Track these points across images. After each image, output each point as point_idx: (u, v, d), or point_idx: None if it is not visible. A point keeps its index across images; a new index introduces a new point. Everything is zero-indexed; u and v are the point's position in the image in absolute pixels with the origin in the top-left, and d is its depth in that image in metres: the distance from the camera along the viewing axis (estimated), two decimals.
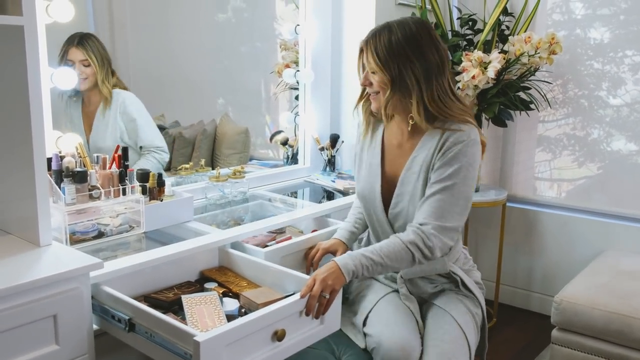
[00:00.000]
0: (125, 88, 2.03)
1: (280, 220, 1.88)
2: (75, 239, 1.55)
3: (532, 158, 3.03)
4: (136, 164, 2.02)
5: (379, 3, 2.49)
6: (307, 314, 1.36)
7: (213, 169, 2.15)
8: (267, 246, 1.69)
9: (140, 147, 2.07)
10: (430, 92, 1.53)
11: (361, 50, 1.60)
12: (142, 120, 2.05)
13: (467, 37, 2.79)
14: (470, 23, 2.79)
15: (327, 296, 1.38)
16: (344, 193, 2.25)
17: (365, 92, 1.67)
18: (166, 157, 2.10)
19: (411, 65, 1.51)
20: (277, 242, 1.74)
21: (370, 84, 1.59)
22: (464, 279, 1.66)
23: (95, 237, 1.58)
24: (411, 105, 1.55)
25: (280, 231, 1.87)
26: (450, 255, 1.65)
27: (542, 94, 2.75)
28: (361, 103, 1.71)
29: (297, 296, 1.35)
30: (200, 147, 2.46)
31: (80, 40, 1.90)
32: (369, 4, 2.49)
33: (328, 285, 1.38)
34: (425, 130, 1.58)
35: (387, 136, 1.69)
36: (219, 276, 1.59)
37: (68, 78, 1.67)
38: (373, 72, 1.56)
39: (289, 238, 1.79)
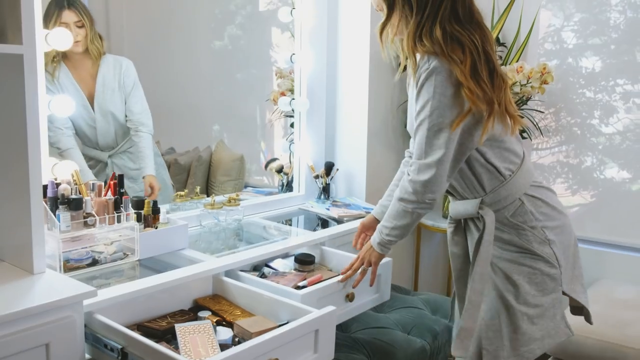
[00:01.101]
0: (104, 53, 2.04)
1: (275, 249, 1.88)
2: (69, 266, 1.54)
3: None
4: (132, 143, 2.11)
5: (373, 34, 2.52)
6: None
7: (208, 195, 2.15)
8: (299, 287, 1.67)
9: (126, 120, 2.08)
10: (423, 26, 1.48)
11: None
12: (138, 90, 2.09)
13: None
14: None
15: (366, 268, 1.67)
16: (339, 221, 2.25)
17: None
18: (150, 139, 2.14)
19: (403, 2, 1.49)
20: (309, 283, 1.71)
21: (381, 9, 1.58)
22: (486, 228, 1.54)
23: (89, 265, 1.58)
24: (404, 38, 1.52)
25: (309, 269, 1.86)
26: (489, 197, 1.56)
27: (534, 123, 2.78)
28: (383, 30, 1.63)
29: (290, 325, 1.35)
30: (195, 174, 2.47)
31: (71, 1, 1.88)
32: (364, 34, 2.53)
33: (366, 260, 1.66)
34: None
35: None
36: (213, 304, 1.59)
37: (65, 104, 1.69)
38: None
39: (320, 277, 1.77)
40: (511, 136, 1.59)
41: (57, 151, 1.92)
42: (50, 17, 1.85)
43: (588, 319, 1.70)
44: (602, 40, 2.74)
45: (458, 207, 1.64)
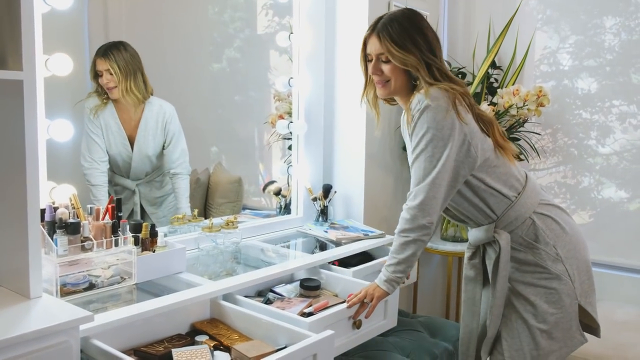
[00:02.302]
0: (152, 92, 2.16)
1: (273, 272, 1.87)
2: (65, 290, 1.54)
3: None
4: (161, 176, 2.23)
5: None
6: (353, 318, 1.73)
7: (206, 217, 2.15)
8: (305, 314, 1.68)
9: (162, 160, 2.21)
10: (434, 69, 1.64)
11: (365, 43, 1.71)
12: (180, 137, 2.21)
13: None
14: (459, 76, 2.85)
15: (368, 302, 1.69)
16: (337, 243, 2.25)
17: (368, 83, 1.78)
18: (188, 180, 2.28)
19: (420, 47, 1.63)
20: (316, 309, 1.71)
21: (381, 72, 1.68)
22: (502, 250, 1.67)
23: (86, 289, 1.57)
24: (418, 84, 1.65)
25: (314, 294, 1.86)
26: (501, 220, 1.68)
27: (531, 145, 2.79)
28: (365, 96, 1.82)
29: (288, 349, 1.34)
30: (193, 196, 2.47)
31: (105, 51, 2.01)
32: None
33: (369, 295, 1.69)
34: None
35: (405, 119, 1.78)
36: (210, 329, 1.58)
37: (64, 130, 1.70)
38: (385, 61, 1.66)
39: (326, 303, 1.77)
40: (508, 162, 1.72)
41: (87, 183, 2.03)
42: (92, 62, 2.02)
43: (597, 333, 1.78)
44: (598, 61, 2.77)
45: (476, 234, 1.75)
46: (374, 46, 1.67)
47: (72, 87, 2.04)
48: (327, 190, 2.54)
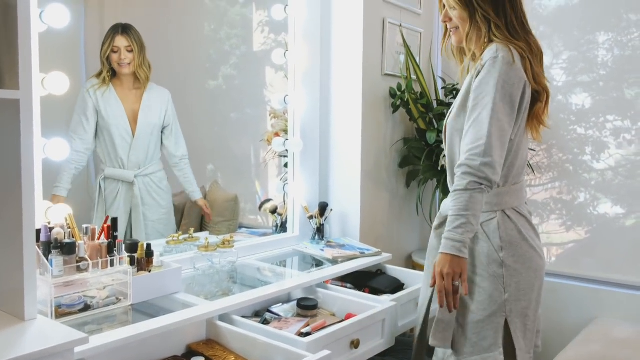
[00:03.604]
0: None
1: (270, 291, 1.86)
2: (60, 312, 1.52)
3: None
4: (158, 169, 2.28)
5: (365, 74, 2.57)
6: (447, 308, 1.57)
7: (201, 231, 2.14)
8: (303, 334, 1.65)
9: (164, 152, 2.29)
10: (501, 22, 1.64)
11: None
12: (178, 126, 2.31)
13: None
14: (454, 92, 2.87)
15: (458, 283, 1.54)
16: (333, 262, 2.24)
17: (447, 30, 1.80)
18: (189, 164, 2.38)
19: (481, 2, 1.64)
20: (313, 329, 1.70)
21: (450, 20, 1.73)
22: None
23: (81, 310, 1.55)
24: (487, 36, 1.66)
25: (311, 314, 1.84)
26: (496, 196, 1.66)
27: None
28: (448, 45, 1.83)
29: None
30: (189, 215, 2.46)
31: (124, 28, 2.14)
32: (356, 76, 2.56)
33: (451, 275, 1.53)
34: None
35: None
36: (207, 350, 1.56)
37: (60, 149, 1.69)
38: (452, 8, 1.70)
39: (324, 323, 1.76)
40: (524, 152, 1.70)
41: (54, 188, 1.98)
42: (106, 40, 2.11)
43: None
44: (591, 77, 2.79)
45: (446, 203, 1.70)
46: None
47: (68, 106, 2.04)
48: (323, 208, 2.53)
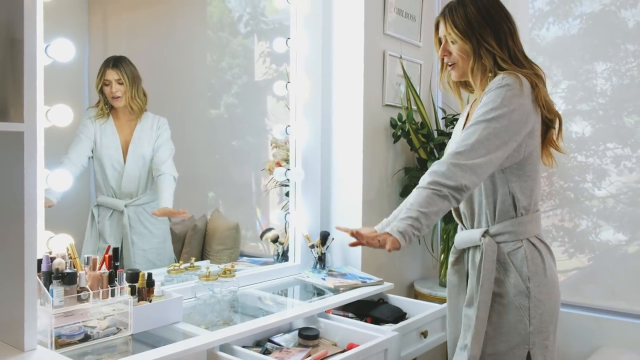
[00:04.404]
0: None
1: (271, 321, 1.85)
2: (60, 342, 1.51)
3: None
4: (151, 198, 2.26)
5: (366, 105, 2.59)
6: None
7: (202, 259, 2.14)
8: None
9: (152, 165, 2.28)
10: (504, 55, 1.65)
11: (437, 26, 1.75)
12: (169, 144, 2.31)
13: None
14: (454, 122, 2.89)
15: (377, 243, 1.44)
16: (335, 291, 2.23)
17: (443, 64, 1.78)
18: (174, 184, 2.31)
19: (486, 33, 1.65)
20: (315, 359, 1.68)
21: (449, 54, 1.72)
22: (484, 253, 1.61)
23: (81, 340, 1.55)
24: (493, 70, 1.66)
25: (313, 343, 1.83)
26: (494, 227, 1.65)
27: None
28: (445, 78, 1.82)
29: None
30: (190, 243, 2.46)
31: (115, 62, 2.18)
32: (357, 107, 2.59)
33: (380, 240, 1.44)
34: None
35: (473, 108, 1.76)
36: None
37: (63, 179, 1.70)
38: (452, 42, 1.69)
39: (325, 353, 1.74)
40: (539, 177, 1.69)
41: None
42: (99, 73, 2.16)
43: None
44: (590, 105, 2.81)
45: (463, 237, 1.72)
46: (441, 29, 1.72)
47: (71, 137, 2.07)
48: (324, 237, 2.53)
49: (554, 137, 1.74)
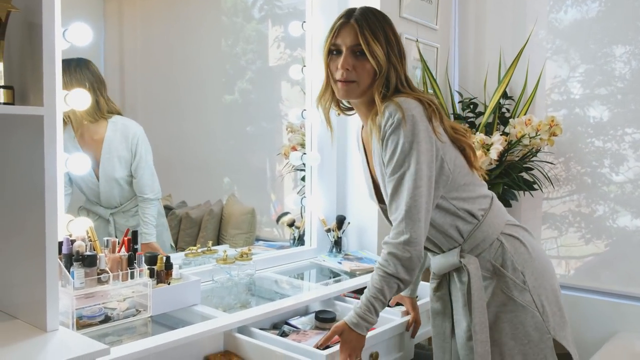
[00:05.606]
0: (119, 113, 2.01)
1: (288, 304, 1.86)
2: (81, 323, 1.54)
3: (538, 236, 3.03)
4: (135, 205, 2.07)
5: None
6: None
7: (219, 244, 2.13)
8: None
9: (132, 185, 2.07)
10: (403, 78, 1.53)
11: (335, 33, 1.53)
12: (148, 159, 2.05)
13: (469, 120, 2.86)
14: (471, 106, 2.87)
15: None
16: (351, 274, 2.24)
17: (328, 84, 1.59)
18: (158, 205, 2.12)
19: (393, 48, 1.51)
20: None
21: (352, 68, 1.50)
22: (471, 277, 1.51)
23: (101, 322, 1.57)
24: (393, 92, 1.51)
25: (330, 326, 1.76)
26: (467, 243, 1.54)
27: (544, 174, 2.78)
28: (325, 98, 1.63)
29: None
30: (206, 228, 2.48)
31: (77, 63, 1.89)
32: None
33: (351, 349, 1.47)
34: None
35: (364, 133, 1.65)
36: None
37: (82, 163, 1.72)
38: (373, 57, 1.48)
39: None
40: (478, 177, 1.61)
41: None
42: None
43: None
44: (609, 90, 2.77)
45: (440, 262, 1.61)
46: (349, 36, 1.49)
47: None
48: (340, 221, 2.54)
49: (472, 159, 1.59)
